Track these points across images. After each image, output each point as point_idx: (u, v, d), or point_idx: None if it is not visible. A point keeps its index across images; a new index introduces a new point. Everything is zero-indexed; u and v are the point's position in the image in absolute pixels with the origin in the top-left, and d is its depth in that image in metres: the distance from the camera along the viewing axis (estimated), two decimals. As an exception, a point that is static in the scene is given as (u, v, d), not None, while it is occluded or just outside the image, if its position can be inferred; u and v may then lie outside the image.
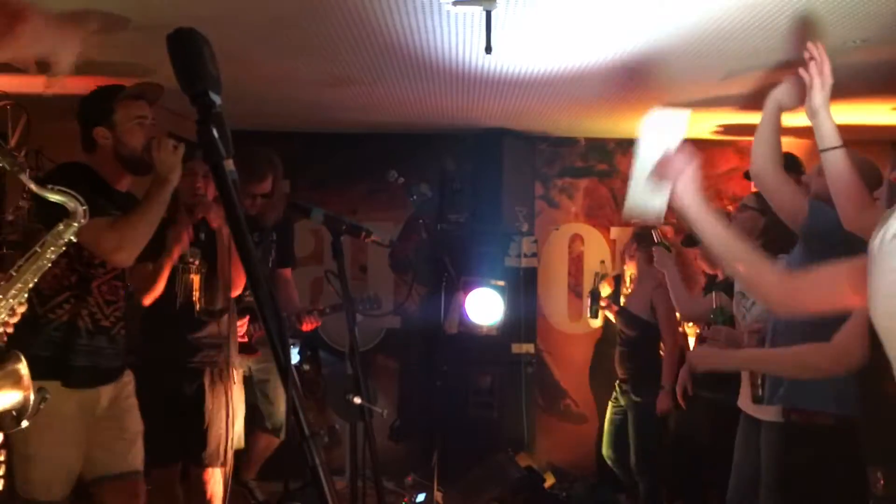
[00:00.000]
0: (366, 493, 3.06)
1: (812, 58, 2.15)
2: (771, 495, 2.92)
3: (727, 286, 3.86)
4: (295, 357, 5.23)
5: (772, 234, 3.10)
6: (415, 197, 4.03)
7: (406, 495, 4.74)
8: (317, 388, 5.11)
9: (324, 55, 3.49)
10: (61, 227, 2.17)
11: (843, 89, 3.95)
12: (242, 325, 3.72)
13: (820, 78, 2.09)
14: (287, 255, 4.19)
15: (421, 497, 4.52)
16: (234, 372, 3.30)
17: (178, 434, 3.25)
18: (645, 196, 1.90)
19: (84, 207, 2.18)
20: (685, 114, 1.91)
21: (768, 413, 3.01)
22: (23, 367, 2.06)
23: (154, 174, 2.65)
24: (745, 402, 3.21)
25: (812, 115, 2.16)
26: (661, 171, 1.83)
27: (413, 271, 5.23)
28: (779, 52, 3.24)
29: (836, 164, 2.11)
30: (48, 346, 2.59)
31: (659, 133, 1.90)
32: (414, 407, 5.52)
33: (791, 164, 3.34)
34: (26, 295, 2.12)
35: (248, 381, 3.89)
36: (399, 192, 4.27)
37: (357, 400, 2.61)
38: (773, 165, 2.65)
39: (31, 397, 2.06)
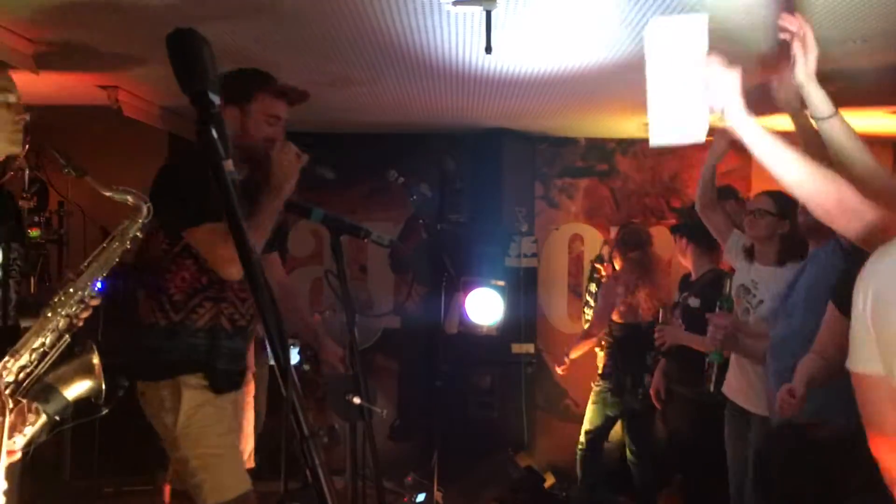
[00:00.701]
0: (366, 493, 3.06)
1: (790, 31, 2.08)
2: (759, 490, 2.94)
3: (703, 286, 3.87)
4: (295, 357, 5.23)
5: (792, 239, 3.10)
6: (415, 197, 4.02)
7: (406, 495, 4.74)
8: (317, 388, 5.11)
9: (324, 55, 3.49)
10: (126, 222, 2.22)
11: (843, 89, 3.96)
12: None
13: (803, 50, 1.94)
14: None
15: (421, 497, 4.52)
16: (251, 375, 3.30)
17: None
18: (677, 115, 1.68)
19: (148, 204, 2.23)
20: (703, 17, 1.68)
21: (759, 406, 3.03)
22: (95, 357, 2.15)
23: (269, 182, 2.50)
24: (734, 393, 3.23)
25: (800, 88, 2.03)
26: (697, 85, 1.63)
27: (413, 271, 5.23)
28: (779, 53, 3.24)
29: (835, 131, 2.03)
30: (195, 351, 2.54)
31: (672, 42, 1.68)
32: (414, 407, 5.52)
33: (726, 193, 4.01)
34: (96, 288, 2.18)
35: None
36: (399, 192, 4.26)
37: (357, 400, 2.61)
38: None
39: (103, 386, 2.15)
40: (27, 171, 4.18)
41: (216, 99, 1.21)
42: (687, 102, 1.66)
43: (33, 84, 3.78)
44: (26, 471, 2.37)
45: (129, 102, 4.36)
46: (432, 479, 4.17)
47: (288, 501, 4.32)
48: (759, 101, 1.81)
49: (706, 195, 3.57)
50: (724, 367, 3.19)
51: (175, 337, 2.52)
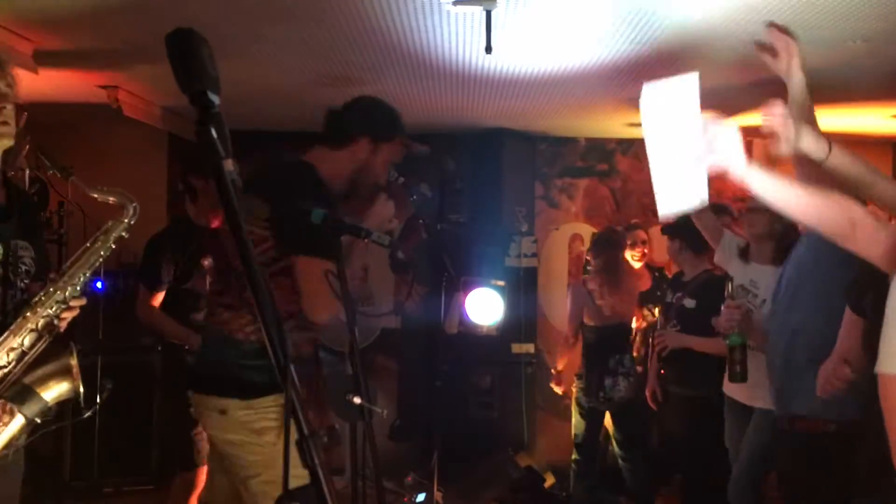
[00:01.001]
0: (366, 493, 3.06)
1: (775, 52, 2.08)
2: (743, 477, 2.94)
3: (698, 286, 3.86)
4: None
5: (788, 238, 3.10)
6: (415, 197, 4.01)
7: (406, 495, 4.74)
8: (317, 387, 5.10)
9: (324, 55, 3.49)
10: (111, 223, 2.19)
11: (843, 89, 3.97)
12: None
13: (785, 120, 1.81)
14: None
15: (421, 497, 4.51)
16: None
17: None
18: (679, 185, 1.68)
19: (135, 205, 2.20)
20: (693, 77, 1.66)
21: (759, 401, 3.04)
22: (73, 360, 2.10)
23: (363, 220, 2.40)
24: (733, 389, 3.23)
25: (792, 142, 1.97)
26: (695, 151, 1.63)
27: (413, 271, 5.22)
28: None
29: (837, 166, 1.99)
30: (261, 371, 2.30)
31: (667, 108, 1.66)
32: (414, 407, 5.52)
33: (721, 209, 4.05)
34: (79, 289, 2.13)
35: None
36: (399, 192, 4.25)
37: (357, 400, 2.61)
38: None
39: (81, 389, 2.10)
40: (27, 171, 4.17)
41: (216, 98, 1.21)
42: (688, 167, 1.67)
43: (33, 83, 3.78)
44: (26, 471, 2.34)
45: (129, 102, 4.36)
46: (432, 479, 4.16)
47: (288, 501, 4.31)
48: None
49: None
50: (745, 349, 3.09)
51: (267, 356, 2.35)
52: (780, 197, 1.72)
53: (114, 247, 2.21)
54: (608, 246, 4.62)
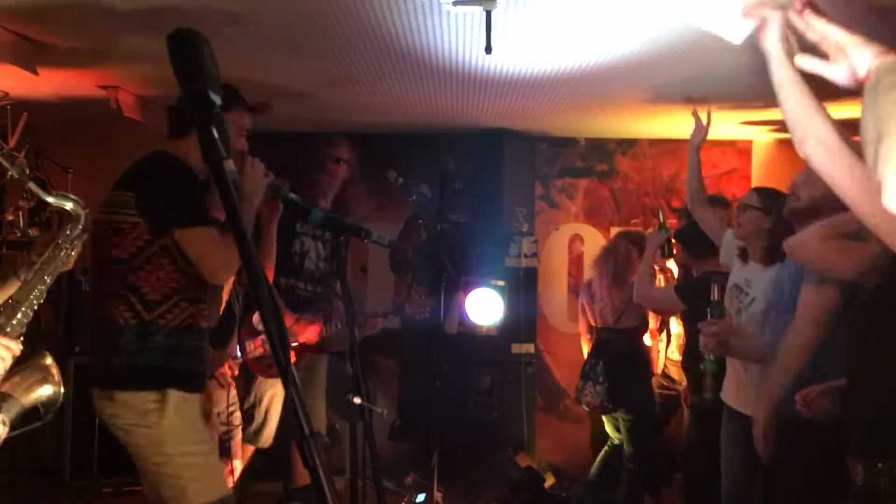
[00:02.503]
0: (366, 493, 3.06)
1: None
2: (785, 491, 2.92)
3: (692, 290, 3.85)
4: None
5: (778, 236, 3.08)
6: (415, 197, 4.02)
7: (406, 495, 4.74)
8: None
9: (324, 55, 3.49)
10: (68, 230, 2.10)
11: (843, 89, 3.96)
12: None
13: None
14: None
15: (421, 497, 4.51)
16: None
17: None
18: (723, 8, 1.53)
19: (86, 211, 2.13)
20: None
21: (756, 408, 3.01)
22: (49, 360, 2.04)
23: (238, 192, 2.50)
24: (730, 396, 3.21)
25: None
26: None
27: (413, 271, 5.23)
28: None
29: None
30: (159, 355, 2.46)
31: None
32: (414, 407, 5.51)
33: (720, 201, 4.11)
34: (41, 300, 2.04)
35: None
36: (399, 192, 4.26)
37: (357, 400, 2.61)
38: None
39: (62, 390, 2.04)
40: (27, 171, 4.17)
41: (217, 98, 1.21)
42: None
43: (33, 83, 3.78)
44: (26, 471, 2.33)
45: (129, 102, 4.36)
46: (432, 479, 4.16)
47: (288, 501, 4.31)
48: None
49: (694, 189, 3.63)
50: (719, 375, 3.12)
51: (150, 337, 2.44)
52: (786, 91, 1.51)
53: (75, 253, 2.11)
54: (608, 250, 4.65)
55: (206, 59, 1.22)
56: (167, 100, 4.57)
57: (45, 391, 2.02)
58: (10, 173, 2.04)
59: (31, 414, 2.00)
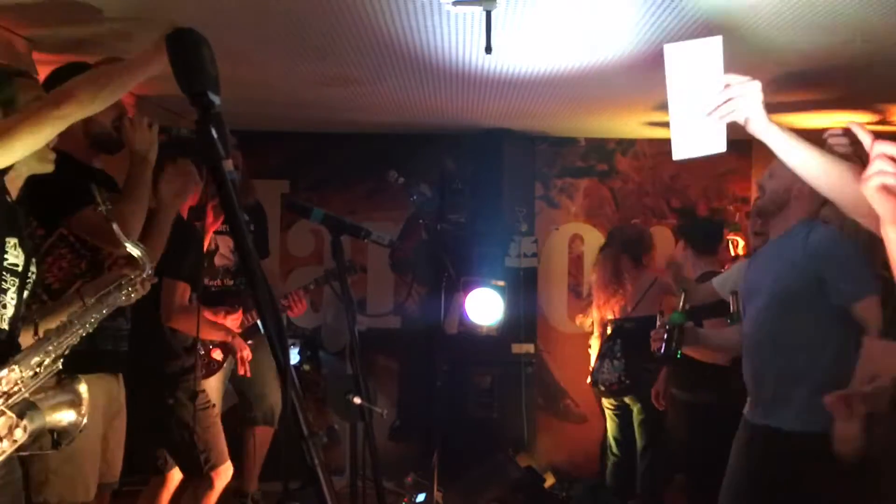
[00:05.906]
0: (366, 493, 3.06)
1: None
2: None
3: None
4: (295, 357, 5.23)
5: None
6: (415, 197, 4.03)
7: (406, 495, 4.74)
8: (317, 388, 5.10)
9: (324, 55, 3.49)
10: (133, 275, 2.12)
11: (843, 89, 3.97)
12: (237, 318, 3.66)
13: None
14: (262, 244, 4.06)
15: (421, 497, 4.51)
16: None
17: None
18: (698, 131, 1.73)
19: (151, 264, 2.15)
20: (717, 41, 1.72)
21: (778, 421, 2.95)
22: (83, 388, 1.97)
23: (131, 155, 2.52)
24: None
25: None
26: (714, 107, 1.69)
27: (413, 271, 5.23)
28: (783, 49, 3.24)
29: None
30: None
31: (689, 66, 1.72)
32: (414, 407, 5.52)
33: (715, 233, 4.07)
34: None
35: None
36: (399, 192, 4.27)
37: (357, 400, 2.61)
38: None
39: (84, 422, 1.96)
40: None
41: (216, 98, 1.21)
42: (707, 118, 1.72)
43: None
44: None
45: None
46: (432, 479, 4.16)
47: (288, 501, 4.32)
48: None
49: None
50: (683, 329, 2.88)
51: None
52: (798, 157, 1.72)
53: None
54: (610, 242, 4.64)
55: (205, 59, 1.22)
56: (165, 100, 4.59)
57: (69, 416, 1.94)
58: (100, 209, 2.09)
59: (41, 435, 1.92)
